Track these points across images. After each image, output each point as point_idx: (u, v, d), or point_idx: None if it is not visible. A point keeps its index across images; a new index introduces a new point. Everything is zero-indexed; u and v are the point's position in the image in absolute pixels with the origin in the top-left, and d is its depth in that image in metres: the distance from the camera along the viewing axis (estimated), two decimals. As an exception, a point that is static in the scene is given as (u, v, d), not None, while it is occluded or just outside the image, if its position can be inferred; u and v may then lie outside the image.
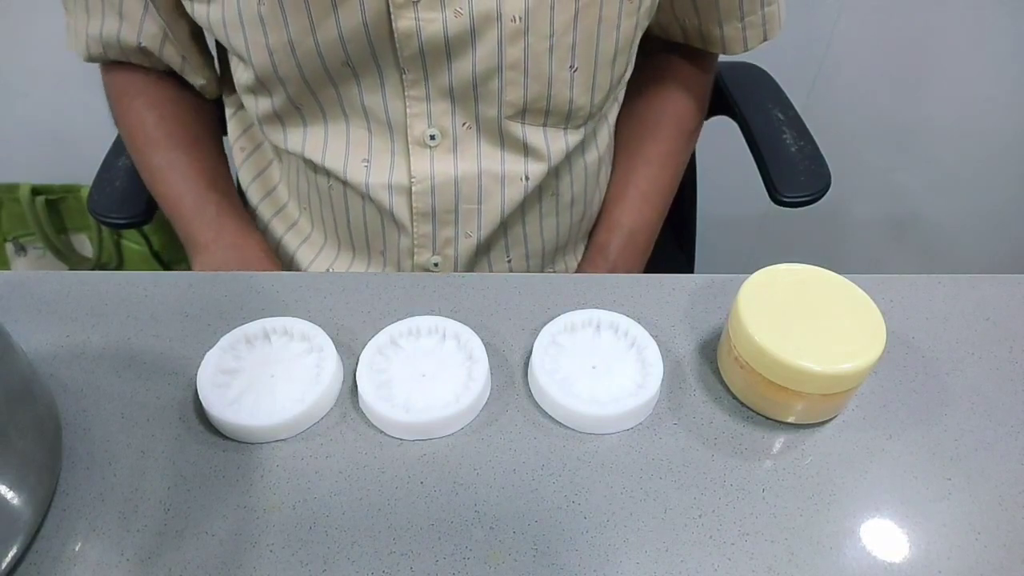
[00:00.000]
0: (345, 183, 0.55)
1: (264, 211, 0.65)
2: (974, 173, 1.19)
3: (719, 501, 0.37)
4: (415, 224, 0.55)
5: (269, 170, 0.65)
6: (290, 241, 0.64)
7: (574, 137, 0.56)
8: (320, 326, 0.43)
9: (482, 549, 0.35)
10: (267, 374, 0.41)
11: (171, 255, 1.25)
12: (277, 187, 0.64)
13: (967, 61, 1.04)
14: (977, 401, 0.41)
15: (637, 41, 0.55)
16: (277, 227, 0.65)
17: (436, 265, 0.58)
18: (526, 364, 0.43)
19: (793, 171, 0.67)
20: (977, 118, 1.11)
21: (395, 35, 0.47)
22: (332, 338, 0.42)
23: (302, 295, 0.47)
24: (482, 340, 0.42)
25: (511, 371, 0.43)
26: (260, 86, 0.52)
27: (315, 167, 0.56)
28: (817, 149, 0.70)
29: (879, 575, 0.34)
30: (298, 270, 0.63)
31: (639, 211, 0.65)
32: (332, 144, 0.54)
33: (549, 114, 0.53)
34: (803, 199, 0.66)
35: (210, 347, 0.41)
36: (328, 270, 0.62)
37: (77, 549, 0.35)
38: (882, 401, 0.41)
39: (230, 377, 0.41)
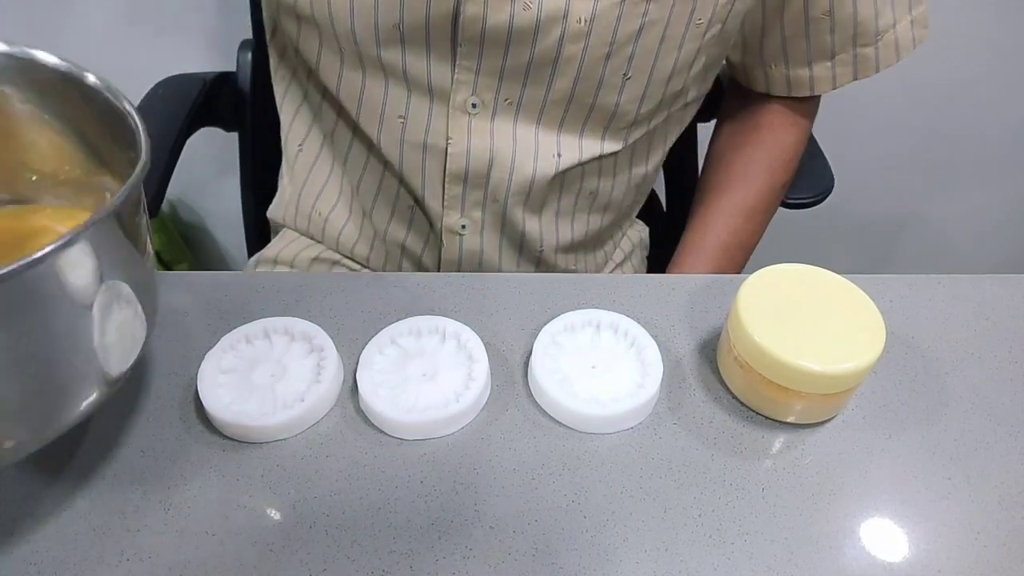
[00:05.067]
0: (372, 144, 0.56)
1: (299, 171, 0.64)
2: (975, 173, 1.19)
3: (719, 500, 0.37)
4: (447, 185, 0.56)
5: (299, 116, 0.64)
6: (321, 206, 0.64)
7: (615, 134, 0.55)
8: (320, 326, 0.43)
9: (482, 549, 0.35)
10: (267, 374, 0.41)
11: (171, 255, 1.25)
12: (308, 137, 0.63)
13: (969, 60, 1.03)
14: (977, 401, 0.41)
15: (699, 66, 0.54)
16: (309, 192, 0.64)
17: (464, 227, 0.58)
18: (526, 364, 0.43)
19: (796, 172, 0.67)
20: (978, 118, 1.11)
21: (460, 18, 0.47)
22: (332, 338, 0.42)
23: (303, 295, 0.47)
24: (482, 340, 0.42)
25: (511, 371, 0.43)
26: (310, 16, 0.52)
27: (338, 112, 0.56)
28: (819, 150, 0.70)
29: (879, 574, 0.34)
30: (331, 234, 0.64)
31: (717, 264, 0.61)
32: (369, 95, 0.54)
33: (593, 108, 0.53)
34: (806, 201, 0.66)
35: (210, 347, 0.41)
36: (358, 232, 0.63)
37: (77, 549, 0.35)
38: (882, 401, 0.41)
39: (230, 377, 0.41)
